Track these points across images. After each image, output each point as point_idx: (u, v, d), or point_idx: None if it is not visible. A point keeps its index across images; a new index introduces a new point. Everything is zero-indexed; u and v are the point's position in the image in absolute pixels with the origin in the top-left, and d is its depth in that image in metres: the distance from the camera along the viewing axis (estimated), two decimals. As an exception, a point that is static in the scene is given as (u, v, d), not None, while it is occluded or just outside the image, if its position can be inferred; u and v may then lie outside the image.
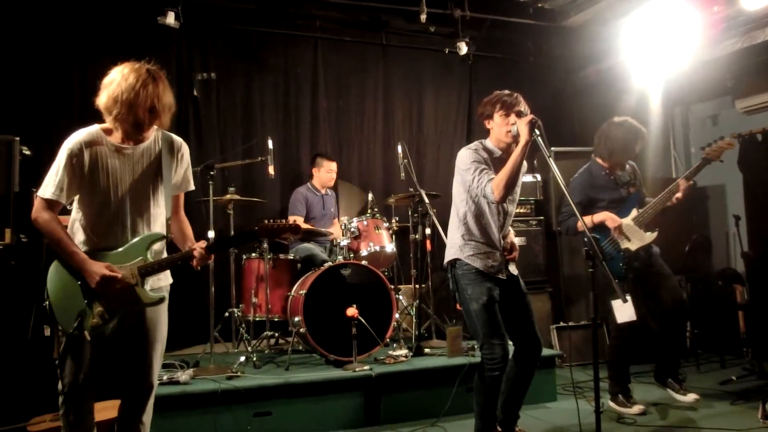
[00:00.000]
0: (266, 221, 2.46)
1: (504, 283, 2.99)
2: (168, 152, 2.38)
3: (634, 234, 3.80)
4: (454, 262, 3.02)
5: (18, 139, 3.83)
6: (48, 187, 2.25)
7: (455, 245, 3.02)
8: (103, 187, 2.27)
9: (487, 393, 2.93)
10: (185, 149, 2.47)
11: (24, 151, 3.87)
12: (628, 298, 2.86)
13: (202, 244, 2.34)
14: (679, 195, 3.73)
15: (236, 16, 5.44)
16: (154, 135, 2.38)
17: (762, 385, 4.20)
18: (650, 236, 3.80)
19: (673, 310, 3.87)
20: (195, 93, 5.16)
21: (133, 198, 2.30)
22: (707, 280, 5.56)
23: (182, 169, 2.46)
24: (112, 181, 2.27)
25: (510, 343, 3.01)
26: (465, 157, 2.98)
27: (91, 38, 4.83)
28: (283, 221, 2.48)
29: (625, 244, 3.79)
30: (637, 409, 3.77)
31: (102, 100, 2.24)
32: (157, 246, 2.35)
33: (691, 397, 3.89)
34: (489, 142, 3.05)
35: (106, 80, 2.26)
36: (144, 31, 4.98)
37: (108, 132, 2.31)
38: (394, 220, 4.82)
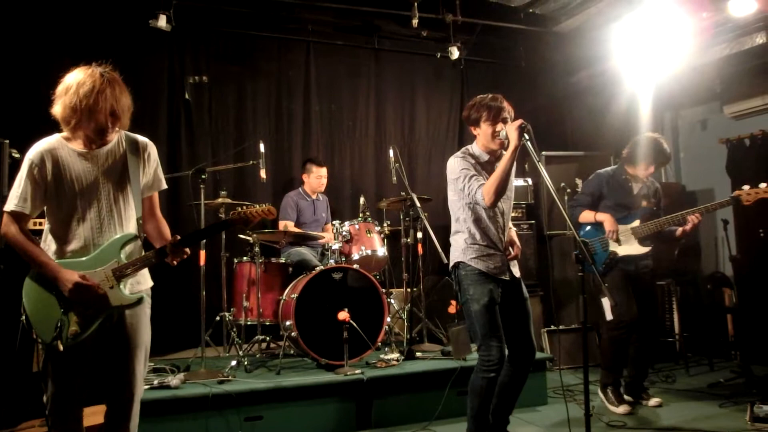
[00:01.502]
0: (239, 209, 2.43)
1: (506, 284, 3.01)
2: (133, 153, 2.35)
3: (627, 241, 3.93)
4: (457, 264, 3.04)
5: (7, 141, 3.81)
6: (11, 200, 2.23)
7: (459, 249, 3.04)
8: (69, 194, 2.24)
9: (482, 395, 2.93)
10: (152, 148, 2.44)
11: (13, 154, 3.84)
12: (607, 300, 2.94)
13: (175, 238, 2.31)
14: (687, 228, 3.83)
15: (228, 20, 5.44)
16: (117, 137, 2.35)
17: (750, 387, 4.24)
18: (641, 248, 3.92)
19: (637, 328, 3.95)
20: (187, 96, 5.15)
21: (101, 202, 2.28)
22: (696, 284, 5.61)
23: (151, 169, 2.43)
24: (78, 187, 2.25)
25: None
26: (454, 165, 3.01)
27: (82, 41, 4.82)
28: (256, 207, 2.43)
29: (613, 247, 3.92)
30: (623, 409, 3.83)
31: (58, 110, 2.21)
32: (130, 247, 2.32)
33: (653, 401, 3.99)
34: (476, 147, 3.07)
35: (60, 89, 2.22)
36: (136, 34, 4.98)
37: (69, 139, 2.29)
38: (385, 224, 4.82)
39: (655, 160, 3.99)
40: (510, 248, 3.07)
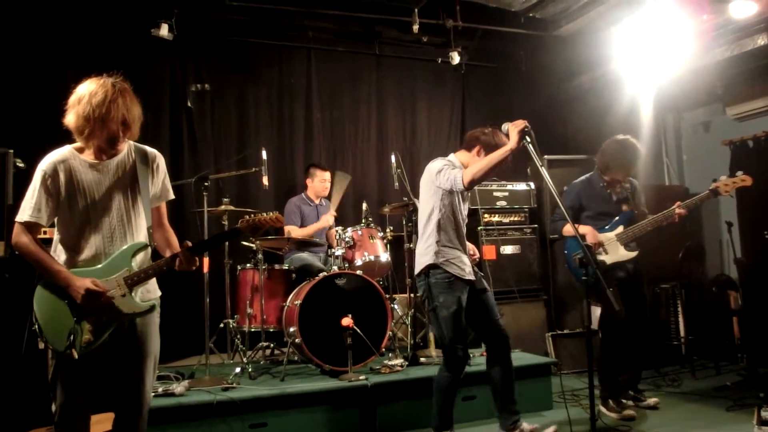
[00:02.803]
0: (247, 216, 2.45)
1: (471, 283, 3.18)
2: (142, 163, 2.39)
3: (613, 249, 3.91)
4: (427, 270, 3.16)
5: (12, 151, 3.83)
6: (25, 211, 2.26)
7: (429, 252, 3.15)
8: (81, 205, 2.27)
9: (446, 390, 3.17)
10: (160, 159, 2.48)
11: (18, 164, 3.87)
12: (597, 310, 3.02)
13: (186, 245, 2.34)
14: (674, 219, 3.84)
15: (230, 28, 5.47)
16: (126, 147, 2.39)
17: (757, 390, 4.21)
18: (629, 254, 3.91)
19: (630, 331, 3.93)
20: (189, 104, 5.17)
21: (112, 212, 2.31)
22: (701, 287, 5.58)
23: (160, 179, 2.46)
24: (89, 197, 2.28)
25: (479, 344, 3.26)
26: (436, 163, 3.18)
27: (85, 50, 4.86)
28: (264, 215, 2.45)
29: (601, 257, 3.90)
30: (627, 413, 3.80)
31: (71, 120, 2.24)
32: (141, 255, 2.35)
33: (650, 401, 3.99)
34: (456, 161, 3.24)
35: (73, 99, 2.25)
36: (138, 43, 5.01)
37: (81, 150, 2.32)
38: (388, 230, 4.83)
39: (633, 164, 3.96)
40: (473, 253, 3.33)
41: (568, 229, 3.96)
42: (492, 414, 3.41)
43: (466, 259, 3.19)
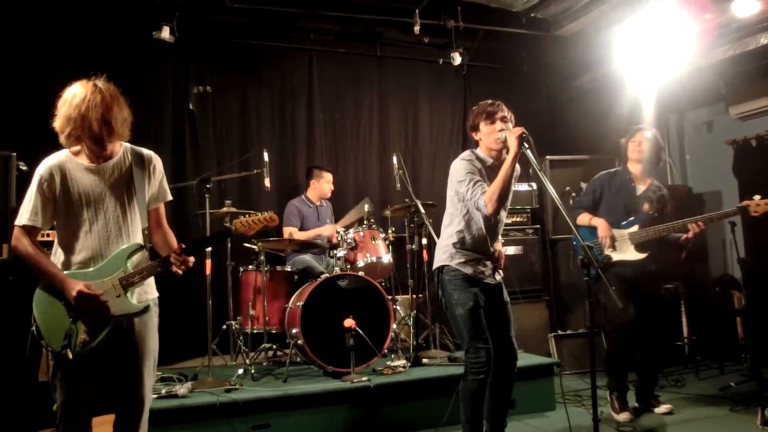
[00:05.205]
0: (242, 217, 2.46)
1: (490, 289, 3.04)
2: (138, 165, 2.41)
3: (623, 247, 3.86)
4: (442, 267, 3.07)
5: (15, 154, 3.85)
6: (24, 214, 2.29)
7: (446, 252, 3.06)
8: (77, 207, 2.30)
9: (474, 398, 2.95)
10: (156, 161, 2.50)
11: (20, 167, 3.89)
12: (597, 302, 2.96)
13: (180, 247, 2.36)
14: (689, 236, 3.71)
15: (231, 30, 5.48)
16: (122, 150, 2.41)
17: (761, 390, 4.20)
18: (638, 255, 3.84)
19: (643, 337, 3.90)
20: (191, 106, 5.19)
21: (108, 214, 2.33)
22: (704, 287, 5.56)
23: (157, 181, 2.48)
24: (85, 200, 2.31)
25: None
26: (459, 168, 3.01)
27: (87, 54, 4.87)
28: (258, 215, 2.47)
29: (608, 251, 3.86)
30: (623, 416, 3.79)
31: (56, 122, 2.29)
32: (137, 257, 2.37)
33: (663, 408, 3.91)
34: (480, 152, 3.09)
35: (59, 103, 2.30)
36: (140, 45, 5.01)
37: (76, 154, 2.35)
38: (390, 231, 4.83)
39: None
40: (495, 259, 3.11)
41: (581, 219, 3.95)
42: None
43: (487, 263, 3.04)
